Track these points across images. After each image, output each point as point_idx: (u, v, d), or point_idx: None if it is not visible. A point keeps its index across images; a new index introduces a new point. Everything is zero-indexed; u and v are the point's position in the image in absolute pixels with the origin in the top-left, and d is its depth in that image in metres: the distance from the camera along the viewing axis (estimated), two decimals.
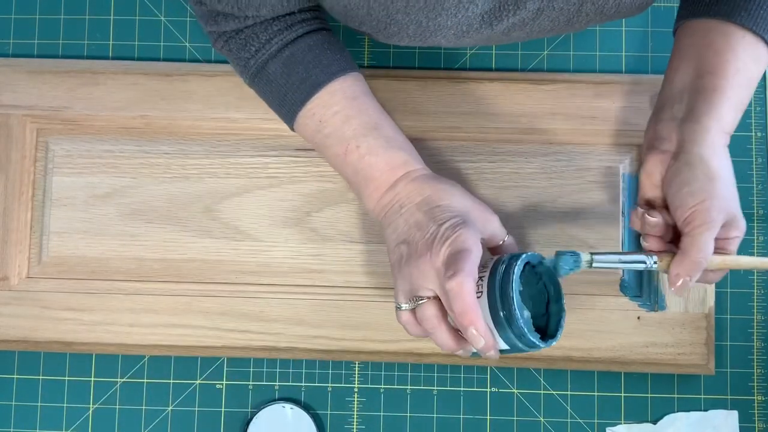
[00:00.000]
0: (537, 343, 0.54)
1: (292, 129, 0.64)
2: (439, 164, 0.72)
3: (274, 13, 0.59)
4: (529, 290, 0.57)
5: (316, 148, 0.64)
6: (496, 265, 0.54)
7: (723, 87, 0.57)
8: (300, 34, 0.61)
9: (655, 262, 0.56)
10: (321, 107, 0.60)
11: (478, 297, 0.54)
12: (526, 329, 0.53)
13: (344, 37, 0.75)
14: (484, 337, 0.53)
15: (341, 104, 0.60)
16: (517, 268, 0.53)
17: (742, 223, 0.57)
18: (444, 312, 0.55)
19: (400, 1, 0.55)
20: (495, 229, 0.59)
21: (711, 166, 0.56)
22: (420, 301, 0.55)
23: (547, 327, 0.57)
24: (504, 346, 0.55)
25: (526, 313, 0.54)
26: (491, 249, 0.61)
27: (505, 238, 0.60)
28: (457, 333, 0.56)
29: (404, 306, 0.57)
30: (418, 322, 0.57)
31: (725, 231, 0.56)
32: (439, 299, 0.55)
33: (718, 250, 0.56)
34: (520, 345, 0.54)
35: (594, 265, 0.55)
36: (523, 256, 0.55)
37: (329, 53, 0.61)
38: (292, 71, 0.59)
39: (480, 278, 0.54)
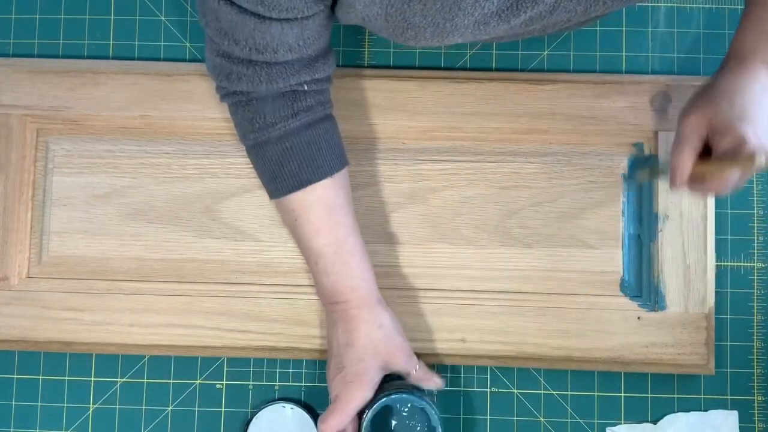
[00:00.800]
0: None
1: (270, 199, 0.67)
2: (439, 164, 0.72)
3: (291, 56, 0.60)
4: (415, 419, 0.65)
5: (288, 228, 0.69)
6: (367, 406, 0.65)
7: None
8: (304, 124, 0.63)
9: None
10: (300, 209, 0.65)
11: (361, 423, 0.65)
12: None
13: (345, 37, 0.75)
14: None
15: (317, 215, 0.64)
16: (371, 412, 0.64)
17: (733, 130, 0.56)
18: None
19: (416, 5, 0.55)
20: (401, 367, 0.66)
21: (717, 81, 0.59)
22: None
23: None
24: None
25: None
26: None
27: (414, 370, 0.66)
28: None
29: None
30: None
31: (715, 137, 0.58)
32: None
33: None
34: None
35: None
36: (383, 400, 0.64)
37: (325, 152, 0.64)
38: (286, 162, 0.63)
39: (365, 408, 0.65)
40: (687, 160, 0.59)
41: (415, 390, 0.66)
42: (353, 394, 0.64)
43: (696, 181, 0.59)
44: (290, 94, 0.62)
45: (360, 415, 0.65)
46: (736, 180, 0.58)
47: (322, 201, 0.64)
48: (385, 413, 0.65)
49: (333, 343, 0.66)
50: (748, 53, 0.60)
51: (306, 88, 0.62)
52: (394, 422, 0.65)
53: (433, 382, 0.68)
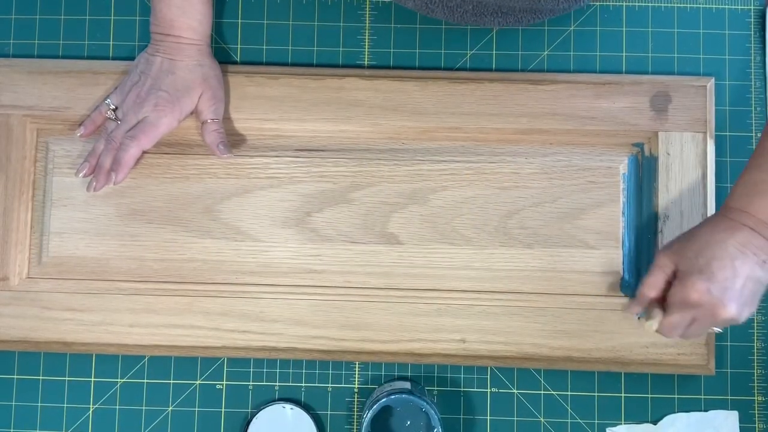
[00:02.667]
0: None
1: None
2: (439, 164, 0.72)
3: None
4: (414, 419, 0.65)
5: None
6: (365, 406, 0.67)
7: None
8: None
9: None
10: None
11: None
12: None
13: (345, 37, 0.75)
14: None
15: None
16: (367, 419, 0.64)
17: (687, 281, 0.58)
18: None
19: None
20: (205, 108, 0.69)
21: (699, 228, 0.61)
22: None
23: None
24: None
25: None
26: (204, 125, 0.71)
27: (209, 120, 0.69)
28: None
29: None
30: None
31: (675, 282, 0.60)
32: None
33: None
34: None
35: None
36: (374, 407, 0.64)
37: None
38: None
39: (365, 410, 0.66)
40: (646, 293, 0.62)
41: (415, 390, 0.66)
42: (162, 120, 0.67)
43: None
44: None
45: (360, 417, 0.65)
46: (675, 325, 0.60)
47: None
48: (385, 413, 0.65)
49: (151, 66, 0.68)
50: (736, 209, 0.60)
51: None
52: (393, 422, 0.65)
53: (221, 146, 0.69)
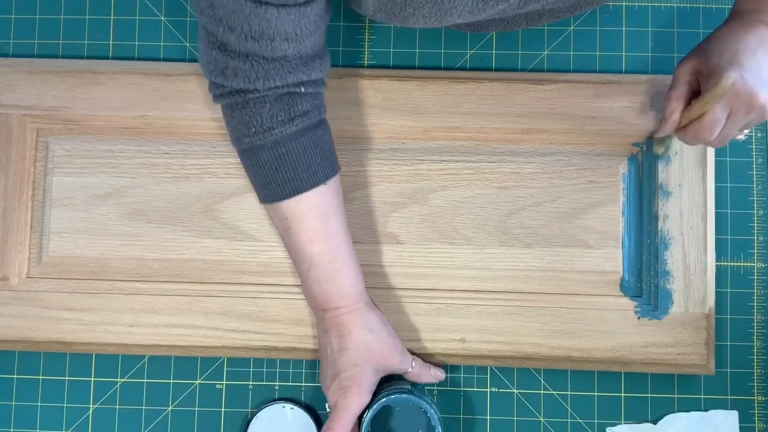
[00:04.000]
0: None
1: (260, 203, 0.66)
2: (439, 164, 0.72)
3: (289, 47, 0.59)
4: (414, 419, 0.65)
5: (278, 232, 0.67)
6: (366, 408, 0.65)
7: None
8: (300, 130, 0.62)
9: None
10: (293, 218, 0.64)
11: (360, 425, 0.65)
12: None
13: (345, 35, 0.75)
14: None
15: (311, 224, 0.63)
16: (370, 414, 0.64)
17: (718, 72, 0.57)
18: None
19: None
20: (396, 366, 0.66)
21: (715, 33, 0.61)
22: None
23: None
24: None
25: None
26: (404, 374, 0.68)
27: (410, 369, 0.67)
28: None
29: None
30: None
31: (704, 83, 0.60)
32: None
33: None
34: None
35: None
36: (370, 411, 0.64)
37: (319, 159, 0.63)
38: (281, 168, 0.62)
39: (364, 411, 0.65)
40: (675, 107, 0.61)
41: (415, 390, 0.66)
42: (350, 399, 0.64)
43: (685, 129, 0.62)
44: (287, 97, 0.61)
45: (360, 416, 0.65)
46: (717, 119, 0.58)
47: (316, 209, 0.63)
48: (385, 413, 0.65)
49: (326, 348, 0.66)
50: (748, 11, 0.61)
51: (303, 90, 0.61)
52: (393, 422, 0.65)
53: (432, 376, 0.68)
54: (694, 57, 0.61)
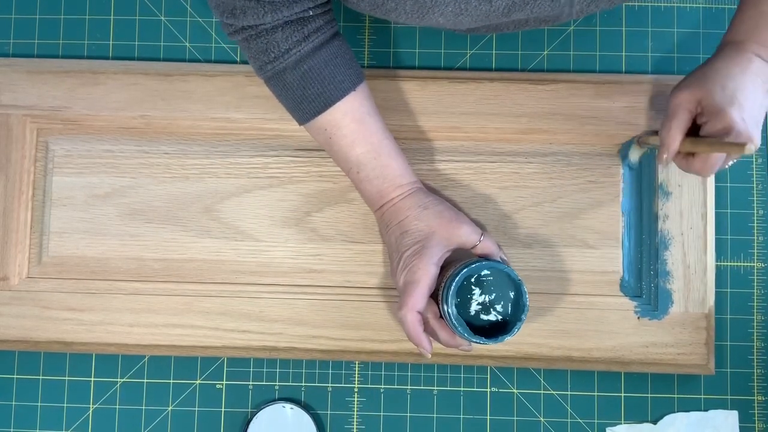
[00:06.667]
0: (482, 340, 0.61)
1: (299, 125, 0.67)
2: (439, 164, 0.72)
3: None
4: (497, 292, 0.62)
5: (323, 147, 0.68)
6: (448, 278, 0.62)
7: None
8: (316, 45, 0.63)
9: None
10: (332, 126, 0.65)
11: (441, 300, 0.62)
12: (464, 333, 0.61)
13: (345, 35, 0.75)
14: (428, 349, 0.63)
15: (349, 128, 0.65)
16: (453, 288, 0.61)
17: (723, 113, 0.58)
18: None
19: None
20: (463, 238, 0.64)
21: (711, 64, 0.62)
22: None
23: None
24: (466, 342, 0.63)
25: (461, 322, 0.61)
26: (472, 248, 0.66)
27: (479, 240, 0.65)
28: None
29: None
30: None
31: (704, 117, 0.60)
32: None
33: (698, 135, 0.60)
34: (473, 340, 0.61)
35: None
36: (464, 270, 0.61)
37: (342, 68, 0.64)
38: (308, 84, 0.63)
39: (442, 285, 0.62)
40: (676, 136, 0.60)
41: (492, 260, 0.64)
42: (417, 274, 0.63)
43: (683, 157, 0.61)
44: (297, 21, 0.62)
45: (437, 294, 0.63)
46: (720, 164, 0.60)
47: (351, 114, 0.65)
48: (469, 284, 0.62)
49: (391, 243, 0.66)
50: (743, 41, 0.61)
51: (311, 13, 0.62)
52: (480, 290, 0.62)
53: (502, 253, 0.66)
54: (695, 88, 0.61)
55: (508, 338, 0.61)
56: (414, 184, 0.66)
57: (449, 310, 0.61)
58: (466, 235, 0.64)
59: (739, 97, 0.58)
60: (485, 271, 0.62)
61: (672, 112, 0.61)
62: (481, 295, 0.62)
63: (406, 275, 0.63)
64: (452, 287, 0.61)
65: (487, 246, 0.65)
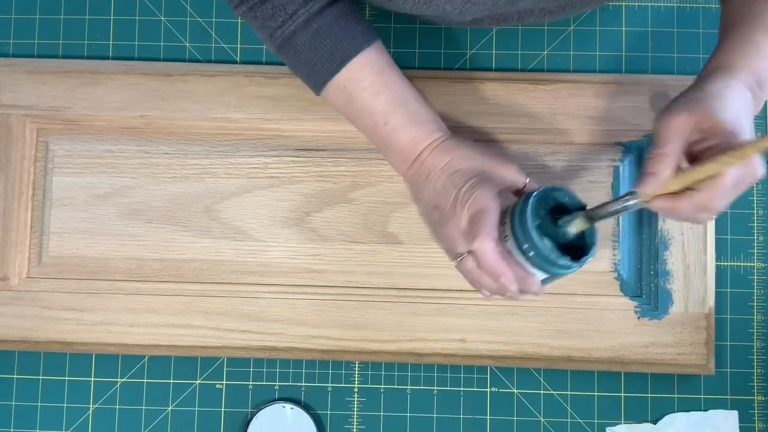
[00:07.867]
0: (567, 263, 0.56)
1: (318, 95, 0.65)
2: None
3: None
4: (560, 221, 0.58)
5: (345, 116, 0.66)
6: (515, 207, 0.58)
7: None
8: (324, 4, 0.61)
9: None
10: (350, 81, 0.62)
11: (505, 239, 0.58)
12: (551, 254, 0.56)
13: None
14: (517, 281, 0.57)
15: (370, 79, 0.62)
16: (531, 205, 0.57)
17: (733, 128, 0.52)
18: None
19: None
20: (512, 177, 0.62)
21: (701, 88, 0.55)
22: (459, 258, 0.60)
23: (584, 248, 0.58)
24: (543, 275, 0.58)
25: (547, 242, 0.56)
26: (514, 192, 0.63)
27: (527, 181, 0.62)
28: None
29: (452, 262, 0.61)
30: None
31: (705, 142, 0.54)
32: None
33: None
34: (556, 270, 0.57)
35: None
36: (535, 193, 0.57)
37: (353, 24, 0.62)
38: (320, 44, 0.61)
39: (503, 223, 0.58)
40: (668, 163, 0.53)
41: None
42: (484, 201, 0.57)
43: (669, 198, 0.54)
44: None
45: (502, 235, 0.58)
46: (729, 189, 0.52)
47: (369, 66, 0.62)
48: (545, 205, 0.58)
49: (437, 188, 0.61)
50: (737, 67, 0.57)
51: None
52: (549, 215, 0.58)
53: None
54: (691, 112, 0.53)
55: (590, 259, 0.57)
56: (447, 130, 0.64)
57: (531, 232, 0.56)
58: (516, 174, 0.62)
59: (743, 122, 0.53)
60: (556, 194, 0.58)
61: (663, 138, 0.53)
62: (554, 215, 0.58)
63: (471, 206, 0.58)
64: (528, 209, 0.56)
65: (533, 186, 0.62)
